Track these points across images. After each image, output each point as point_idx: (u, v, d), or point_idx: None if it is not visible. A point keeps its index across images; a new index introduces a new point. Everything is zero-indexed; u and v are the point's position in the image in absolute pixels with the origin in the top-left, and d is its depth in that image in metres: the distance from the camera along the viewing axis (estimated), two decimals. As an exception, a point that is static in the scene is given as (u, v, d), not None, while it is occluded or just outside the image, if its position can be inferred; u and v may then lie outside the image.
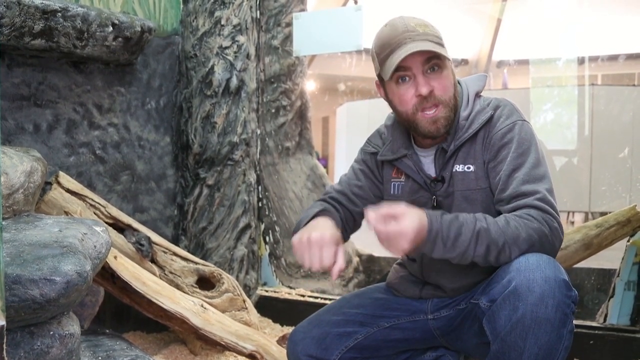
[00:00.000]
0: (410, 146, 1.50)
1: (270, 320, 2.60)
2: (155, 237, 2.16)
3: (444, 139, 1.44)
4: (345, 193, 1.59)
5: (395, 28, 1.39)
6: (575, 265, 2.19)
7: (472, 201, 1.40)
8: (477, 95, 1.47)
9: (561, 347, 1.19)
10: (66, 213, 1.92)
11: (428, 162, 1.48)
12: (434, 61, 1.37)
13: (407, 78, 1.38)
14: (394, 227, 1.21)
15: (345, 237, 1.53)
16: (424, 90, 1.36)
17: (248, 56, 2.59)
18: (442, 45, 1.38)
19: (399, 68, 1.37)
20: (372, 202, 1.50)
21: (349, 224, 1.57)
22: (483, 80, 1.51)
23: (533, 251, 1.24)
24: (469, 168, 1.41)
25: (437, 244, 1.25)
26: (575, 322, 2.08)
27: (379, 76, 1.46)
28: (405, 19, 1.40)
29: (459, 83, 1.48)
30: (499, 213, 1.34)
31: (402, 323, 1.53)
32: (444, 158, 1.44)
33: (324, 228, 1.34)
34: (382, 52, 1.40)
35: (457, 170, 1.42)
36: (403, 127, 1.52)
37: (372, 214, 1.24)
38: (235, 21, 2.55)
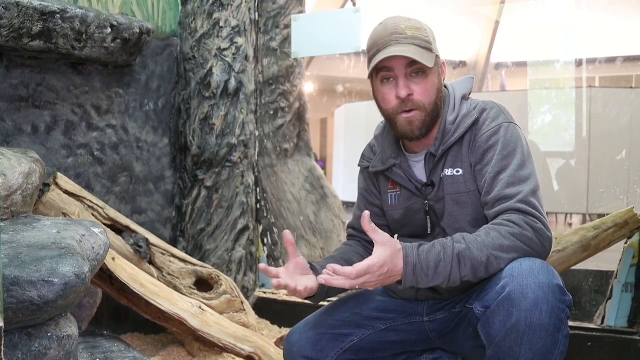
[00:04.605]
0: (400, 154, 1.51)
1: (268, 322, 2.60)
2: (153, 239, 2.16)
3: (432, 144, 1.45)
4: (353, 226, 1.66)
5: (386, 28, 1.41)
6: (573, 267, 2.19)
7: (463, 204, 1.41)
8: (464, 98, 1.48)
9: (557, 353, 1.19)
10: (64, 214, 1.92)
11: (419, 168, 1.48)
12: (417, 65, 1.38)
13: (390, 79, 1.41)
14: (362, 268, 1.24)
15: None
16: (403, 93, 1.38)
17: (246, 58, 2.59)
18: (430, 50, 1.39)
19: (382, 68, 1.40)
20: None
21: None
22: (470, 82, 1.51)
23: (521, 256, 1.24)
24: (458, 172, 1.42)
25: (418, 276, 1.27)
26: (573, 324, 2.10)
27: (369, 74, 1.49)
28: (397, 20, 1.42)
29: (445, 87, 1.49)
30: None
31: (398, 325, 1.53)
32: (433, 162, 1.45)
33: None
34: (370, 50, 1.43)
35: (447, 174, 1.43)
36: (392, 136, 1.53)
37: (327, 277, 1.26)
38: (233, 23, 2.55)
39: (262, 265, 1.38)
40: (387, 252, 1.26)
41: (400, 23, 1.40)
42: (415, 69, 1.38)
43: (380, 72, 1.41)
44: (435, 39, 1.44)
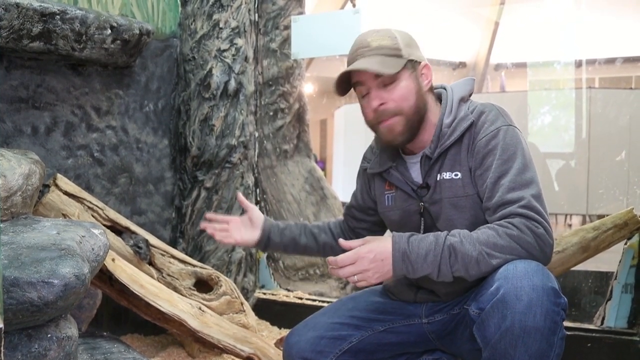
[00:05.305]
0: (398, 156, 1.52)
1: (268, 323, 2.60)
2: (153, 240, 2.16)
3: (427, 146, 1.45)
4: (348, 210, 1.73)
5: (354, 44, 1.45)
6: (573, 268, 2.19)
7: (461, 208, 1.40)
8: (463, 100, 1.47)
9: (552, 355, 1.19)
10: (64, 215, 1.92)
11: (416, 170, 1.49)
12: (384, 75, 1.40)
13: (365, 91, 1.44)
14: (349, 255, 1.30)
15: None
16: (374, 104, 1.42)
17: (246, 59, 2.59)
18: (397, 56, 1.40)
19: (356, 84, 1.45)
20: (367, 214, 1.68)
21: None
22: (470, 84, 1.51)
23: (517, 258, 1.24)
24: (456, 175, 1.41)
25: (407, 263, 1.29)
26: (572, 324, 2.10)
27: None
28: (366, 34, 1.45)
29: (444, 88, 1.49)
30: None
31: (397, 327, 1.53)
32: (429, 165, 1.45)
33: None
34: (347, 67, 1.47)
35: (445, 177, 1.42)
36: None
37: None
38: (233, 24, 2.55)
39: (209, 216, 1.69)
40: (371, 241, 1.33)
41: (368, 37, 1.43)
42: (385, 78, 1.40)
43: (356, 87, 1.45)
44: (412, 44, 1.45)
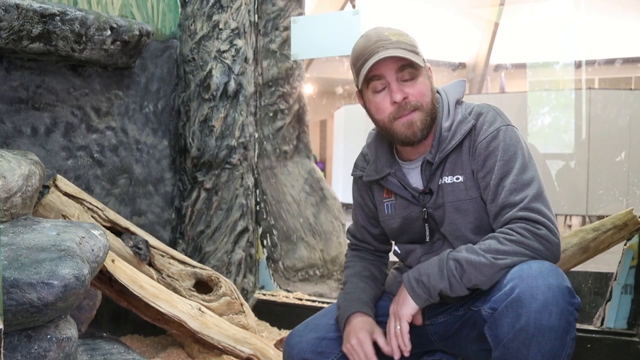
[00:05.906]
0: (394, 162, 1.50)
1: (267, 324, 2.60)
2: (152, 241, 2.16)
3: (427, 151, 1.44)
4: (355, 235, 1.68)
5: (369, 38, 1.40)
6: (573, 269, 2.20)
7: (464, 211, 1.40)
8: (458, 102, 1.47)
9: (564, 355, 1.19)
10: (64, 216, 1.92)
11: (415, 175, 1.48)
12: (407, 69, 1.37)
13: (382, 88, 1.40)
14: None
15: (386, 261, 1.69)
16: (398, 97, 1.37)
17: (246, 60, 2.59)
18: (416, 53, 1.39)
19: (372, 78, 1.39)
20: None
21: (384, 256, 1.68)
22: (462, 86, 1.50)
23: (525, 260, 1.25)
24: (457, 179, 1.41)
25: (421, 286, 1.32)
26: (572, 325, 2.09)
27: (359, 86, 1.47)
28: (379, 29, 1.42)
29: (438, 92, 1.49)
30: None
31: None
32: (430, 170, 1.43)
33: (359, 329, 1.43)
34: (357, 62, 1.42)
35: (446, 181, 1.42)
36: (385, 144, 1.52)
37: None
38: (233, 25, 2.55)
39: None
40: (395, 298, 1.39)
41: (384, 31, 1.40)
42: (406, 73, 1.37)
43: (371, 82, 1.40)
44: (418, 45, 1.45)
